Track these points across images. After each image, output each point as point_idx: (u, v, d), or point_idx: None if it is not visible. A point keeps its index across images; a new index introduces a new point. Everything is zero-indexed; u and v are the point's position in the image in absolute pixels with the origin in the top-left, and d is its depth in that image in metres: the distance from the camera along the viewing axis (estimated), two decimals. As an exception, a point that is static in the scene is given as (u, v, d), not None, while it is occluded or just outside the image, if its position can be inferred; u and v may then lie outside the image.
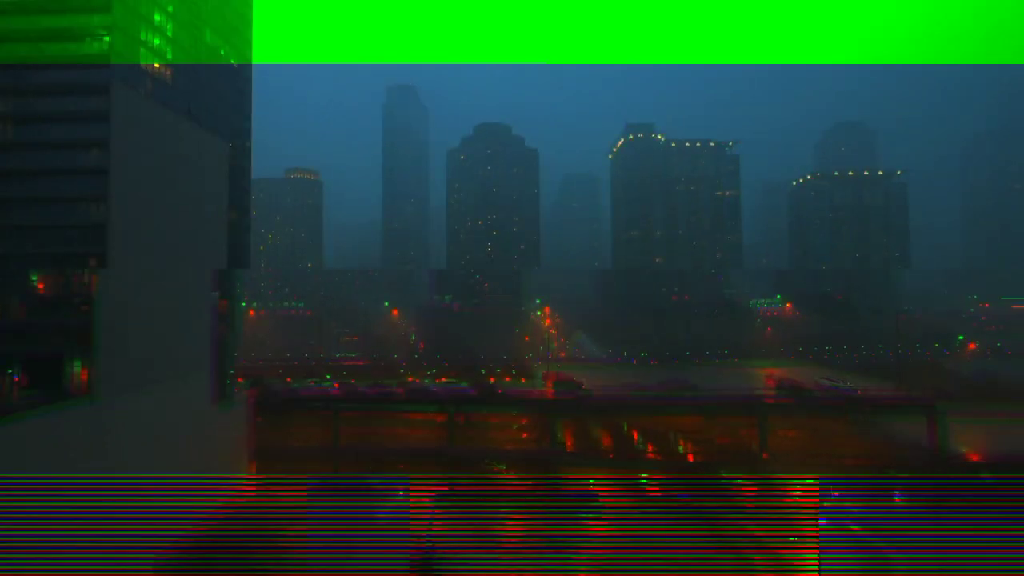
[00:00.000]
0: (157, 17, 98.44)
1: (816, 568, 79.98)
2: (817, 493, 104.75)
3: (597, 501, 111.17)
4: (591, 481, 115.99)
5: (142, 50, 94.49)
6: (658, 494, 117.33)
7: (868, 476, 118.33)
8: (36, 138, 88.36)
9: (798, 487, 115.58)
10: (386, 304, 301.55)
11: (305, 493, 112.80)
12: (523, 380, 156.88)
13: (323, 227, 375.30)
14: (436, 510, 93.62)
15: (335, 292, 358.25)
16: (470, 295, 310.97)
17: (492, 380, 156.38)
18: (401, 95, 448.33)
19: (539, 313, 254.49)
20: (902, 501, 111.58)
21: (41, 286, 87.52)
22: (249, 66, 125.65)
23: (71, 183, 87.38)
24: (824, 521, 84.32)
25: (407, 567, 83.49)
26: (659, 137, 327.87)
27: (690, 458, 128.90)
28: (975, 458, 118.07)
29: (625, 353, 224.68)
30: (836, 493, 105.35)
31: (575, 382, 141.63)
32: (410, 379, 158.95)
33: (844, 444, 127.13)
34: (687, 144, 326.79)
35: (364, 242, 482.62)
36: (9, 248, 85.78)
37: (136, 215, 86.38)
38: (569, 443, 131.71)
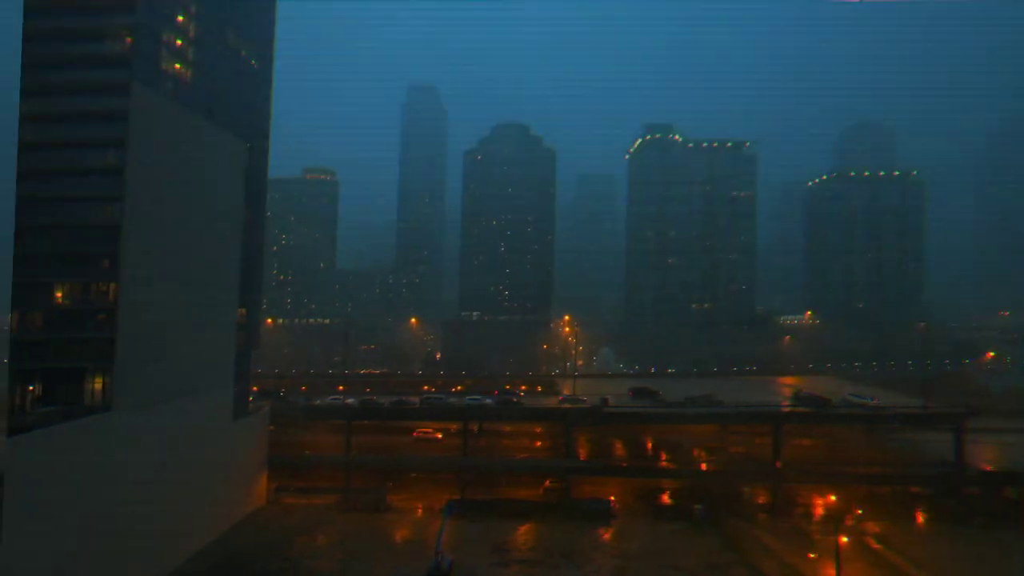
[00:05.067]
0: (180, 18, 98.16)
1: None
2: (835, 504, 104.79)
3: (611, 511, 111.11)
4: (610, 497, 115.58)
5: (164, 51, 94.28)
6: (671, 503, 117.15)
7: (886, 488, 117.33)
8: (55, 138, 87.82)
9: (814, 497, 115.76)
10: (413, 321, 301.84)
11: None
12: (539, 389, 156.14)
13: (338, 227, 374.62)
14: (449, 520, 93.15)
15: (352, 297, 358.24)
16: (492, 305, 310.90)
17: (507, 388, 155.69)
18: (421, 95, 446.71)
19: (567, 329, 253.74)
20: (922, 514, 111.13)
21: (59, 295, 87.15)
22: (270, 67, 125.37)
23: (88, 182, 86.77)
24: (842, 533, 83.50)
25: None
26: (676, 138, 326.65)
27: (703, 467, 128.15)
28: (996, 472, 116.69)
29: (653, 369, 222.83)
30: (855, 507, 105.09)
31: (651, 390, 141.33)
32: (425, 388, 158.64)
33: (862, 456, 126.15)
34: (704, 144, 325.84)
35: (378, 242, 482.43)
36: (27, 248, 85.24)
37: (152, 215, 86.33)
38: (583, 453, 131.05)
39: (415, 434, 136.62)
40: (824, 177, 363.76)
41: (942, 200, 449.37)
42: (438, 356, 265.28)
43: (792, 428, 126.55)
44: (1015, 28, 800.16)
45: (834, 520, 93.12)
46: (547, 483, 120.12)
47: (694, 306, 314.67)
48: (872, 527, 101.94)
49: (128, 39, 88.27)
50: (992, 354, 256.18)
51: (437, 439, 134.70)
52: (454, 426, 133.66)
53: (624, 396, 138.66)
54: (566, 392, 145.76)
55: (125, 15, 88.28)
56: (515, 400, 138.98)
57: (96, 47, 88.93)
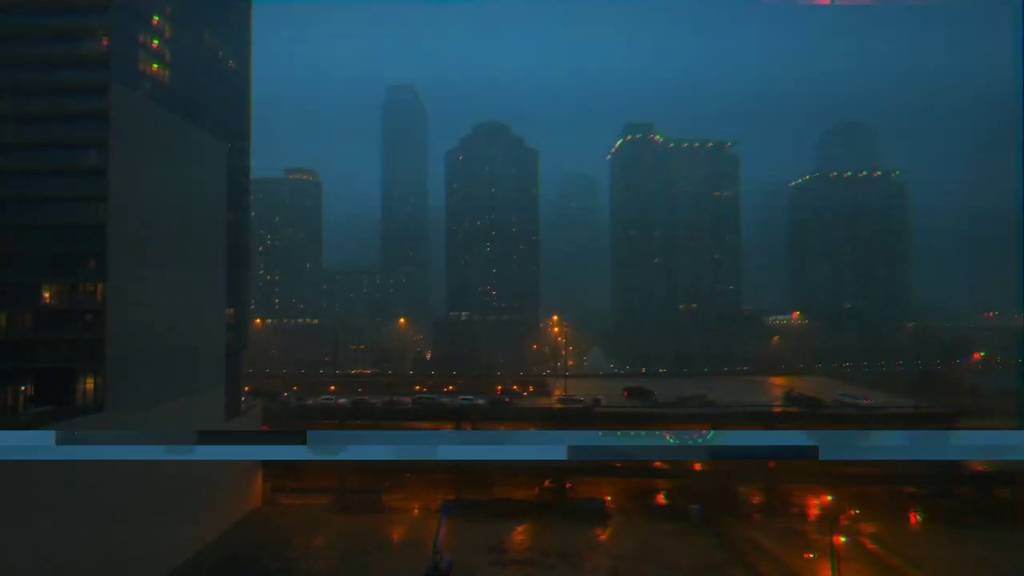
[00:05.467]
0: (156, 18, 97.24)
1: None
2: (829, 504, 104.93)
3: (605, 510, 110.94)
4: (604, 495, 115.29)
5: (140, 51, 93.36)
6: (666, 503, 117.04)
7: (880, 488, 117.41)
8: (34, 138, 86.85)
9: (808, 498, 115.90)
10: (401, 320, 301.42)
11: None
12: (531, 389, 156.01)
13: (322, 228, 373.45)
14: (446, 520, 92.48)
15: (339, 297, 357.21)
16: (480, 305, 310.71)
17: (500, 388, 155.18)
18: (401, 95, 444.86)
19: (556, 329, 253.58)
20: (917, 515, 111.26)
21: (47, 295, 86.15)
22: (248, 67, 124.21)
23: (69, 183, 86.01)
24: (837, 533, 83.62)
25: None
26: (657, 138, 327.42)
27: (696, 467, 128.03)
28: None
29: (643, 369, 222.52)
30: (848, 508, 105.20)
31: (647, 390, 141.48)
32: (417, 388, 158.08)
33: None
34: (685, 144, 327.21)
35: (363, 242, 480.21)
36: (7, 248, 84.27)
37: (134, 216, 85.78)
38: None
39: None
40: (806, 177, 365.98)
41: (926, 201, 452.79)
42: (428, 356, 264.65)
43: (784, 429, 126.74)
44: (998, 28, 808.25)
45: (829, 520, 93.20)
46: (546, 483, 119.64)
47: (681, 306, 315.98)
48: (867, 527, 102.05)
49: (104, 39, 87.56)
50: (981, 354, 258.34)
51: None
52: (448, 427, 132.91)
53: (617, 396, 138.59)
54: (558, 392, 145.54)
55: (100, 15, 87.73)
56: (507, 400, 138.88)
57: (73, 47, 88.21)
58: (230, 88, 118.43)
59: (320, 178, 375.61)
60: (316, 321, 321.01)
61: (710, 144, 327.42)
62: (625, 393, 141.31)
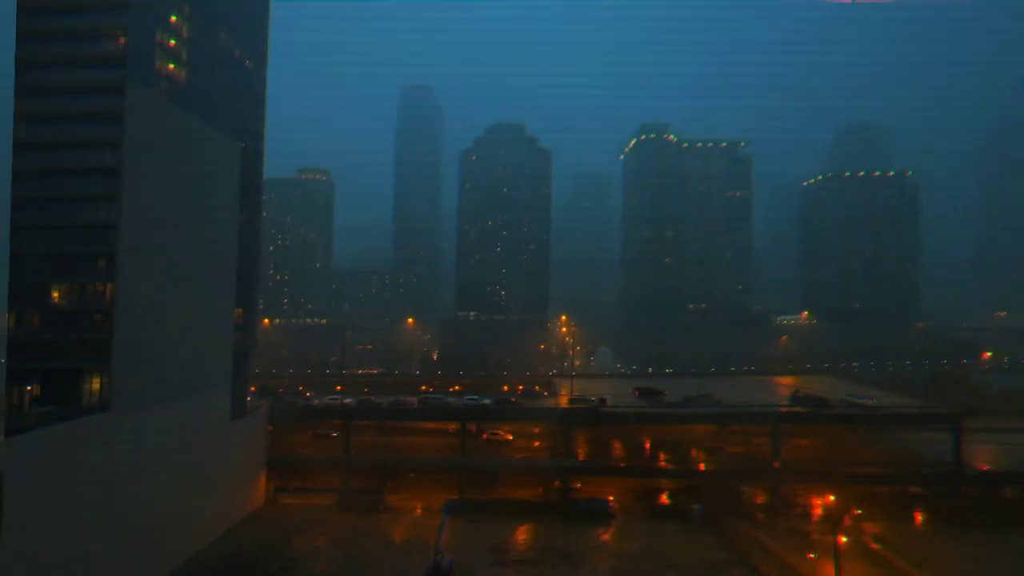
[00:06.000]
0: (173, 18, 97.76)
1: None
2: (833, 504, 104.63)
3: (610, 511, 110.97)
4: (608, 497, 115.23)
5: (158, 51, 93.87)
6: (670, 503, 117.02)
7: (884, 488, 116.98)
8: (51, 137, 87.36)
9: (812, 498, 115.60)
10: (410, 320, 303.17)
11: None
12: (537, 388, 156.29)
13: (333, 228, 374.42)
14: (448, 520, 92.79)
15: (348, 297, 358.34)
16: (489, 305, 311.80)
17: (506, 389, 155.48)
18: (417, 94, 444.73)
19: (564, 329, 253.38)
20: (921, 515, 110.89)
21: (56, 295, 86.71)
22: (264, 67, 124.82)
23: (83, 182, 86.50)
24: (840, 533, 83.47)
25: None
26: (671, 137, 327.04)
27: (701, 467, 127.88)
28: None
29: (651, 369, 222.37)
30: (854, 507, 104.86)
31: (657, 390, 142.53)
32: (423, 388, 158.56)
33: (860, 456, 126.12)
34: (699, 144, 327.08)
35: (374, 242, 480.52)
36: (21, 247, 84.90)
37: (148, 215, 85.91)
38: (582, 453, 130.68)
39: (484, 436, 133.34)
40: (819, 177, 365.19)
41: (937, 200, 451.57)
42: (435, 356, 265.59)
43: (790, 428, 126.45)
44: (1011, 27, 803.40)
45: (832, 520, 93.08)
46: (555, 484, 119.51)
47: (691, 306, 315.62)
48: (871, 527, 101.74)
49: (122, 39, 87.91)
50: (989, 354, 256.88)
51: (507, 440, 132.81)
52: (452, 426, 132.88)
53: (624, 396, 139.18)
54: (564, 392, 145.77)
55: (118, 15, 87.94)
56: (514, 400, 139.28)
57: (90, 47, 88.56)
58: (246, 88, 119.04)
59: (333, 178, 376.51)
60: (324, 321, 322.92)
61: (724, 144, 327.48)
62: (636, 393, 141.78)
